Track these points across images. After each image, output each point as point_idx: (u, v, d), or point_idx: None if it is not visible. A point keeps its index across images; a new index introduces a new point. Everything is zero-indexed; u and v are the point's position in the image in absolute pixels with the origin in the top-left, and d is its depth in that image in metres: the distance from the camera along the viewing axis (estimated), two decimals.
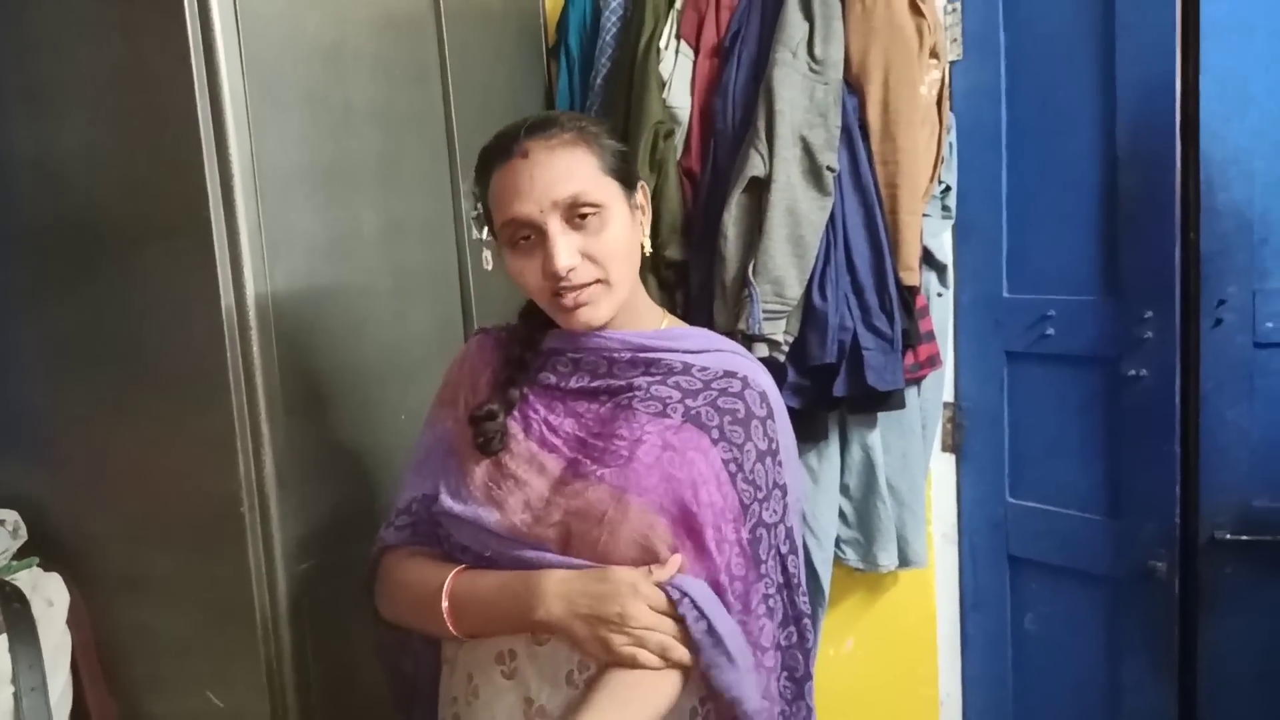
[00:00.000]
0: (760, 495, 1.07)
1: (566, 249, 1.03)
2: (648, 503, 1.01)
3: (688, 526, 1.02)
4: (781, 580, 1.10)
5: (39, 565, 1.42)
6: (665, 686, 1.00)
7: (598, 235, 1.04)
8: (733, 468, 1.05)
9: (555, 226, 1.03)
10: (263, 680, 1.35)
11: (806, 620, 1.12)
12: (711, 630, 0.99)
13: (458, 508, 1.09)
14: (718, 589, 1.03)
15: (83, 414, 1.43)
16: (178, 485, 1.36)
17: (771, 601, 1.08)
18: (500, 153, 1.06)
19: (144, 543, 1.40)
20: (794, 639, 1.11)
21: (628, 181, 1.10)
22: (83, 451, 1.44)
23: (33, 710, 1.29)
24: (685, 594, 0.99)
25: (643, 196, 1.13)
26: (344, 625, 1.45)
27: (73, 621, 1.39)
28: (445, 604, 1.06)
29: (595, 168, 1.06)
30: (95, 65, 1.33)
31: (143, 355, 1.35)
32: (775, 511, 1.09)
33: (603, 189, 1.05)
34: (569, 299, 1.05)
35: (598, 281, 1.05)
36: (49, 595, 1.37)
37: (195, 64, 1.26)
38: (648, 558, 1.02)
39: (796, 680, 1.11)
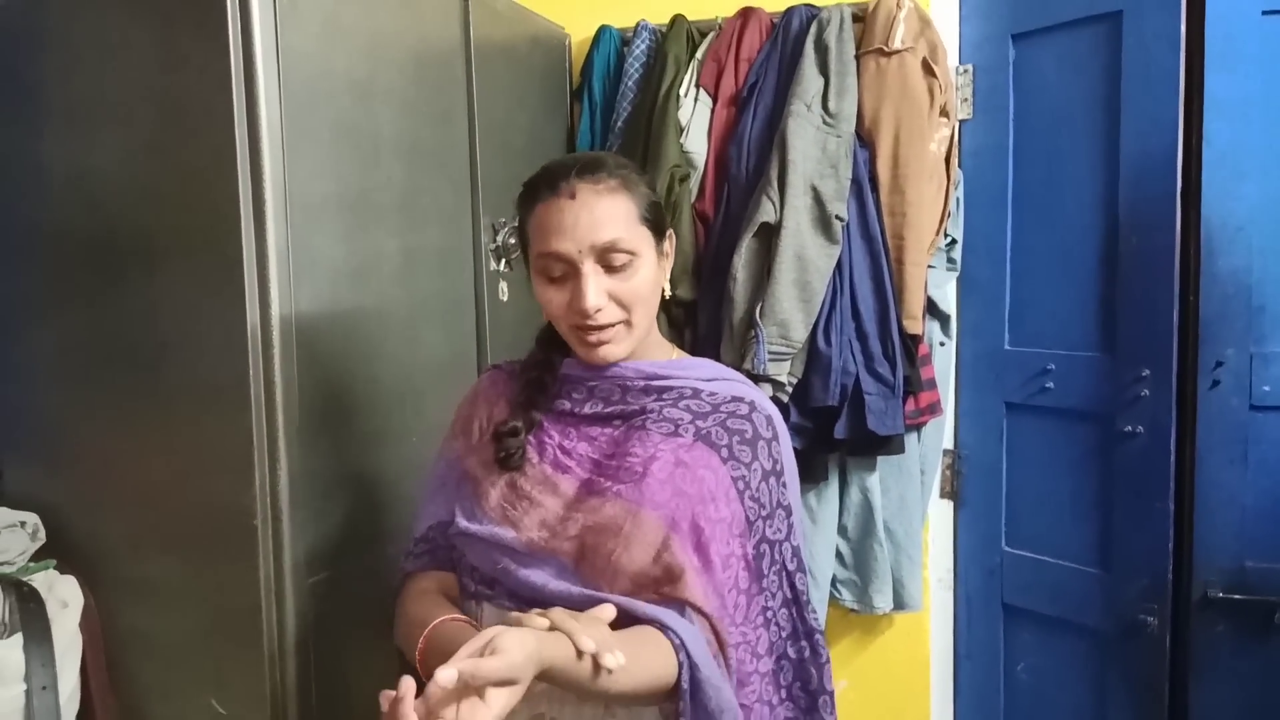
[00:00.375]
0: (764, 513, 1.11)
1: (596, 291, 1.07)
2: (660, 517, 1.06)
3: (697, 540, 1.06)
4: (790, 596, 1.14)
5: (55, 568, 1.46)
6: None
7: (627, 280, 1.09)
8: (740, 485, 1.10)
9: (589, 267, 1.08)
10: (265, 690, 1.37)
11: (819, 636, 1.15)
12: (696, 682, 1.00)
13: (474, 527, 1.14)
14: (722, 600, 1.07)
15: (104, 422, 1.47)
16: (193, 495, 1.39)
17: (770, 614, 1.12)
18: (548, 188, 1.10)
19: (157, 550, 1.44)
20: (806, 653, 1.14)
21: (659, 230, 1.15)
22: (103, 459, 1.48)
23: (43, 708, 1.32)
24: (682, 643, 1.00)
25: (669, 244, 1.19)
26: (349, 641, 1.48)
27: (85, 624, 1.43)
28: (420, 645, 1.10)
29: (633, 216, 1.10)
30: (137, 88, 1.38)
31: (167, 367, 1.40)
32: (779, 530, 1.13)
33: (637, 237, 1.10)
34: (592, 336, 1.10)
35: (621, 323, 1.11)
36: (64, 597, 1.41)
37: (236, 94, 1.31)
38: (659, 569, 1.05)
39: (810, 692, 1.14)
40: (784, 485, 1.14)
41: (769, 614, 1.12)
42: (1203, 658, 1.76)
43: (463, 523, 1.15)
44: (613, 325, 1.10)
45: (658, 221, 1.15)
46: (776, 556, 1.12)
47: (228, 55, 1.31)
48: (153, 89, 1.38)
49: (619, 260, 1.09)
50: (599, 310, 1.08)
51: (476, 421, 1.23)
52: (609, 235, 1.08)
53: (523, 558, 1.11)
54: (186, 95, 1.35)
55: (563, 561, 1.09)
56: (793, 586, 1.14)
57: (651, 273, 1.12)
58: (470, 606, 1.18)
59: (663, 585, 1.05)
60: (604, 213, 1.08)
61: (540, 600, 1.08)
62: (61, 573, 1.46)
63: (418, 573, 1.24)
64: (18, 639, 1.33)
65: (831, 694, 1.15)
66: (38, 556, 1.46)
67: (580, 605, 1.04)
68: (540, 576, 1.09)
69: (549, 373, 1.19)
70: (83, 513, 1.50)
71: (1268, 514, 1.72)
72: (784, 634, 1.13)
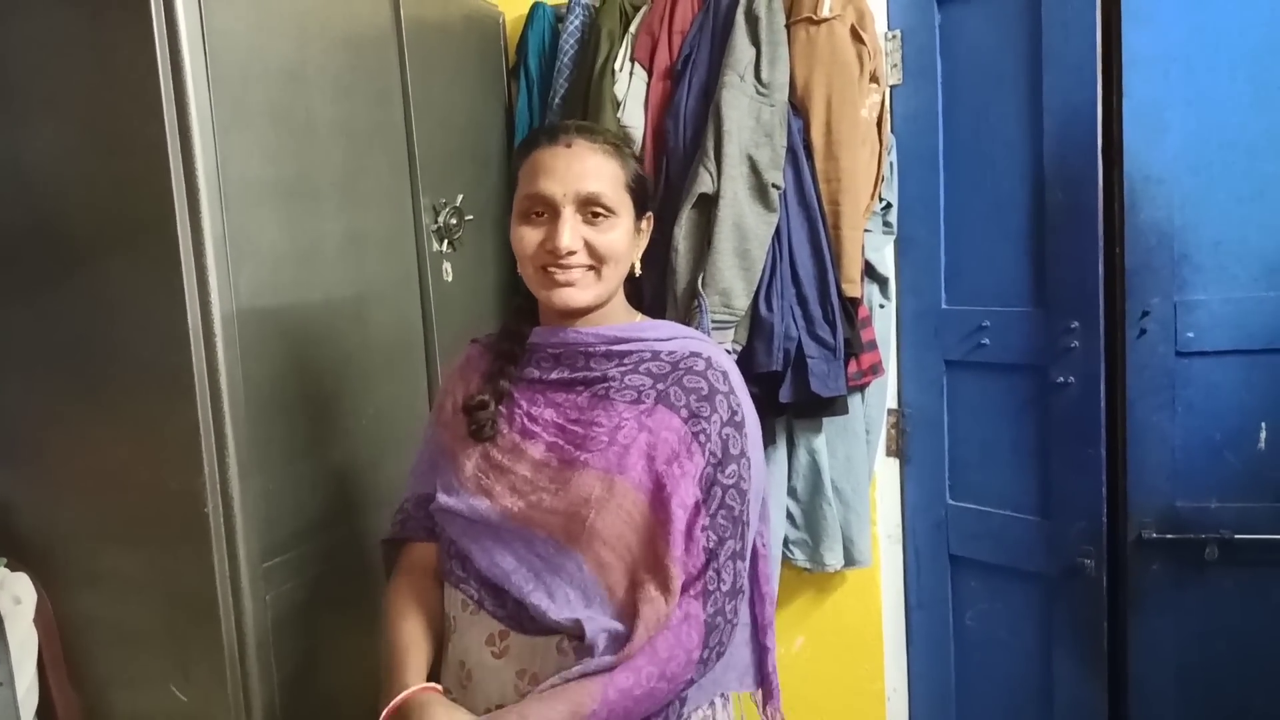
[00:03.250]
0: (716, 460, 1.14)
1: (571, 233, 1.13)
2: (629, 480, 1.11)
3: (660, 497, 1.11)
4: (739, 549, 1.15)
5: (6, 565, 1.46)
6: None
7: (603, 234, 1.15)
8: (701, 438, 1.14)
9: (569, 211, 1.14)
10: (226, 675, 1.39)
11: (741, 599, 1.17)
12: None
13: (451, 501, 1.19)
14: (675, 546, 1.10)
15: (50, 415, 1.47)
16: (143, 485, 1.40)
17: (709, 554, 1.13)
18: (549, 136, 1.18)
19: (109, 542, 1.44)
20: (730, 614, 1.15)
21: (640, 203, 1.22)
22: (50, 452, 1.47)
23: (0, 704, 1.33)
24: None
25: (647, 224, 1.25)
26: (309, 622, 1.50)
27: (39, 619, 1.43)
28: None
29: (620, 180, 1.18)
30: (67, 79, 1.37)
31: (110, 358, 1.40)
32: (732, 475, 1.15)
33: (619, 199, 1.17)
34: (560, 275, 1.15)
35: (589, 268, 1.16)
36: (16, 593, 1.41)
37: (163, 80, 1.31)
38: (630, 529, 1.11)
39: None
40: (745, 435, 1.18)
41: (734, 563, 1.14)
42: (1140, 596, 1.84)
43: (442, 498, 1.21)
44: (581, 268, 1.15)
45: (640, 195, 1.21)
46: (728, 501, 1.14)
47: (153, 42, 1.30)
48: (82, 80, 1.37)
49: (599, 213, 1.15)
50: (571, 253, 1.13)
51: (451, 398, 1.28)
52: (594, 187, 1.14)
53: (498, 533, 1.16)
54: (116, 85, 1.34)
55: (538, 535, 1.14)
56: (742, 537, 1.15)
57: (626, 236, 1.18)
58: (446, 589, 1.24)
59: (638, 552, 1.11)
60: (594, 167, 1.15)
61: (503, 591, 1.15)
62: (12, 570, 1.45)
63: (407, 543, 1.30)
64: None
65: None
66: None
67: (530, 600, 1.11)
68: (509, 562, 1.14)
69: (519, 344, 1.24)
70: (32, 508, 1.50)
71: (1196, 456, 1.79)
72: (724, 588, 1.13)
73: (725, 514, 1.14)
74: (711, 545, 1.13)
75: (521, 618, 1.14)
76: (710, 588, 1.12)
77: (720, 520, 1.13)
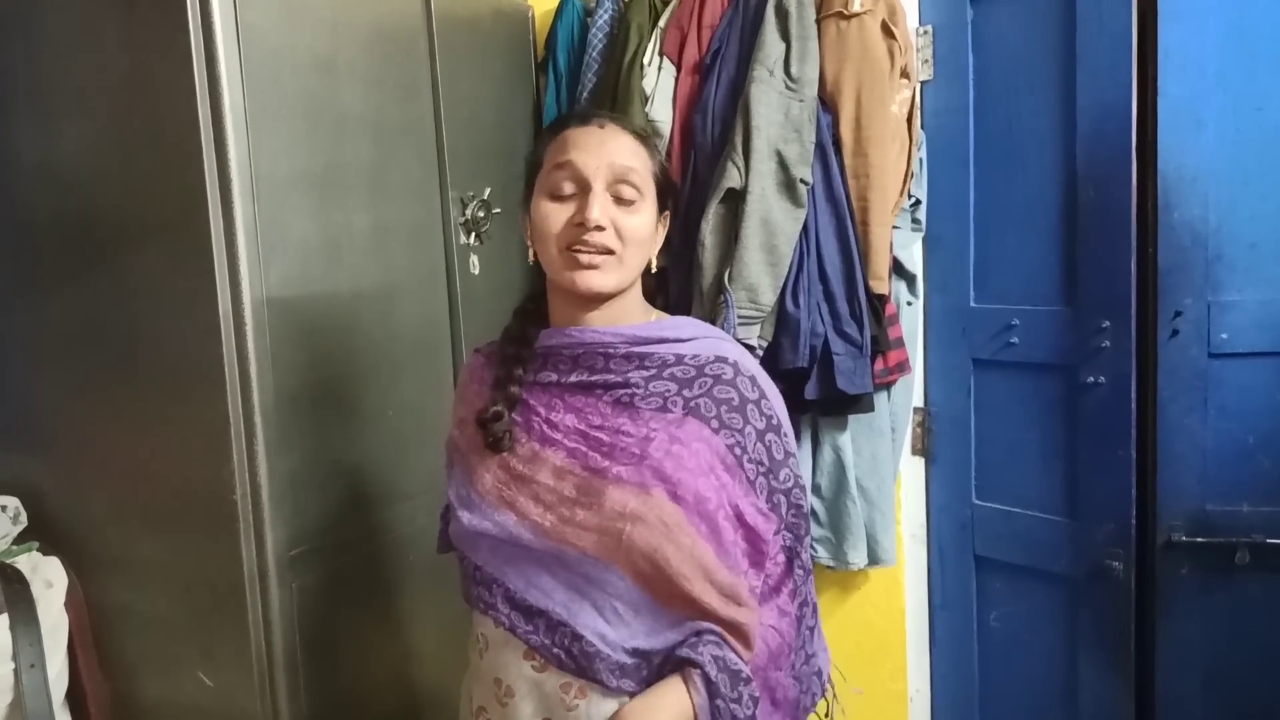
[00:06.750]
0: (765, 468, 1.15)
1: (603, 208, 1.12)
2: (664, 492, 1.08)
3: (701, 510, 1.09)
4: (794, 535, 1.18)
5: (38, 550, 1.48)
6: None
7: (629, 216, 1.14)
8: (737, 451, 1.13)
9: (599, 186, 1.12)
10: (251, 661, 1.41)
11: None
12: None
13: (476, 520, 1.15)
14: (728, 556, 1.10)
15: (83, 405, 1.49)
16: (173, 474, 1.42)
17: (789, 552, 1.16)
18: (580, 118, 1.17)
19: (139, 529, 1.46)
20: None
21: (663, 196, 1.20)
22: (82, 441, 1.49)
23: (31, 685, 1.35)
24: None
25: (664, 222, 1.23)
26: (330, 609, 1.52)
27: (70, 603, 1.45)
28: None
29: (649, 166, 1.17)
30: (101, 73, 1.40)
31: (142, 349, 1.42)
32: (787, 479, 1.17)
33: (648, 185, 1.16)
34: (584, 257, 1.12)
35: (613, 253, 1.14)
36: (48, 577, 1.43)
37: (197, 74, 1.33)
38: (669, 542, 1.07)
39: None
40: (785, 436, 1.18)
41: (788, 552, 1.16)
42: (1168, 600, 1.81)
43: (465, 517, 1.16)
44: (605, 253, 1.13)
45: (664, 189, 1.20)
46: (791, 501, 1.16)
47: (188, 35, 1.32)
48: (116, 73, 1.39)
49: (627, 193, 1.13)
50: (601, 228, 1.11)
51: (462, 413, 1.25)
52: (627, 163, 1.13)
53: (531, 553, 1.12)
54: (150, 77, 1.36)
55: (570, 553, 1.10)
56: (795, 532, 1.18)
57: (650, 223, 1.17)
58: (475, 615, 1.21)
59: (676, 565, 1.07)
60: (627, 145, 1.15)
61: (537, 614, 1.12)
62: (45, 554, 1.48)
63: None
64: (3, 619, 1.36)
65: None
66: (20, 539, 1.49)
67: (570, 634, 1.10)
68: (546, 582, 1.12)
69: (525, 347, 1.20)
70: (64, 495, 1.52)
71: (1227, 459, 1.76)
72: (795, 565, 1.17)
73: (795, 513, 1.16)
74: (789, 544, 1.15)
75: (558, 644, 1.10)
76: (798, 583, 1.14)
77: (791, 519, 1.15)
